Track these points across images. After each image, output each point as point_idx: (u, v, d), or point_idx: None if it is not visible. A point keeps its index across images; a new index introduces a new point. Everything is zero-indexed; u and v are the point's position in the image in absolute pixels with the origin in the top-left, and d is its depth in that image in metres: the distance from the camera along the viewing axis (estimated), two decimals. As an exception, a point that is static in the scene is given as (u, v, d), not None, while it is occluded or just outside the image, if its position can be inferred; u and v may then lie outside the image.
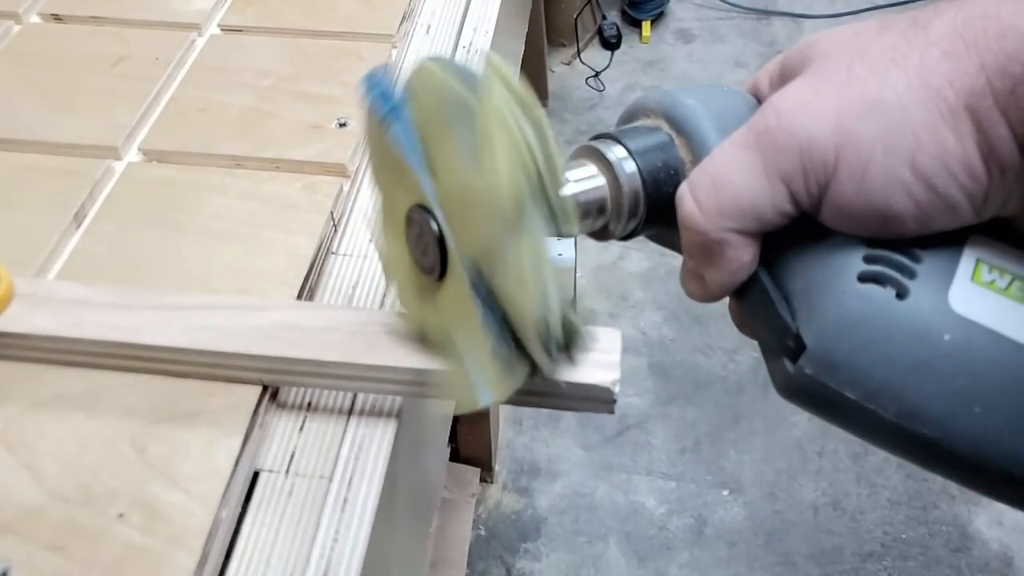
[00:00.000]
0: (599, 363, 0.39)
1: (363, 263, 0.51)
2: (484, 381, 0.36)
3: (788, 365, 0.33)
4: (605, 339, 0.40)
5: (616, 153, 0.36)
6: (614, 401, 0.40)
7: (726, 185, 0.33)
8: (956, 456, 0.31)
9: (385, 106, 0.36)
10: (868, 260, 0.32)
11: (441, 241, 0.36)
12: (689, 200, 0.34)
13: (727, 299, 0.38)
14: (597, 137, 0.38)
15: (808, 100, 0.32)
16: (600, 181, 0.36)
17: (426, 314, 0.39)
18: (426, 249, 0.37)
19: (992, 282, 0.31)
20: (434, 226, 0.35)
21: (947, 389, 0.30)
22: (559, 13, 2.17)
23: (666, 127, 0.37)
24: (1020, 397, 0.30)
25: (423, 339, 0.40)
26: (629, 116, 0.39)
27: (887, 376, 0.31)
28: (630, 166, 0.36)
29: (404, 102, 0.35)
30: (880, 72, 0.31)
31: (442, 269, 0.36)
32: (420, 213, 0.36)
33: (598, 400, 0.40)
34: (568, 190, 0.36)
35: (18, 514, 0.39)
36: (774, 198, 0.32)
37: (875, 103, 0.30)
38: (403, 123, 0.35)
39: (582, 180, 0.36)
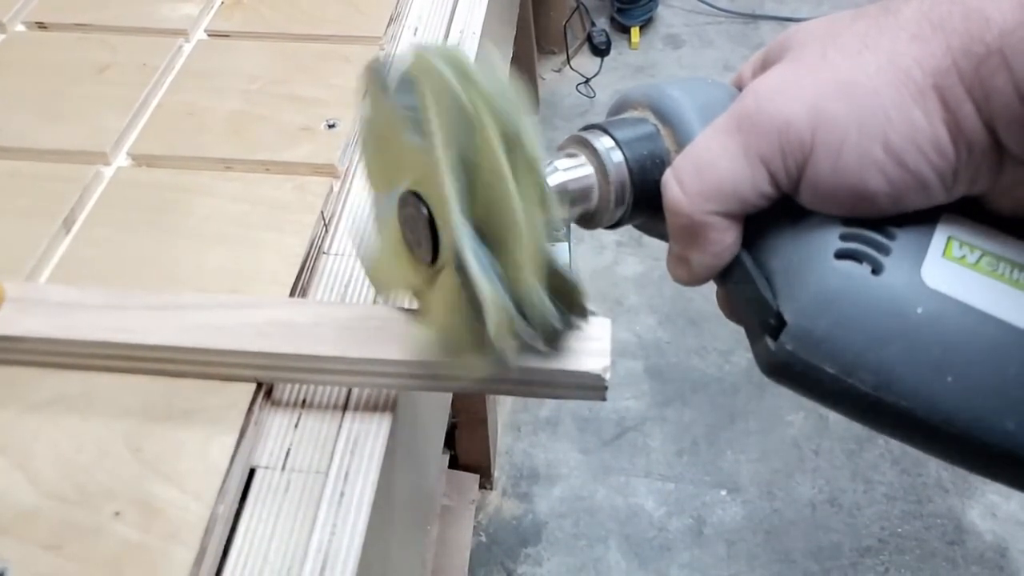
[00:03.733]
0: (590, 351, 0.40)
1: (354, 262, 0.51)
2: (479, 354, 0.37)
3: (770, 343, 0.34)
4: (595, 327, 0.40)
5: (604, 143, 0.37)
6: (605, 388, 0.40)
7: (709, 168, 0.34)
8: (931, 427, 0.32)
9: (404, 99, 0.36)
10: (844, 238, 0.33)
11: (433, 231, 0.36)
12: (674, 184, 0.35)
13: (721, 304, 0.39)
14: (586, 128, 0.38)
15: (785, 85, 0.33)
16: (588, 170, 0.37)
17: (413, 278, 0.40)
18: (418, 236, 0.37)
19: (963, 257, 0.32)
20: (425, 212, 0.36)
21: (921, 360, 0.31)
22: (548, 20, 2.18)
23: (652, 118, 0.38)
24: (989, 366, 0.31)
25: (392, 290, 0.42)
26: (617, 108, 0.40)
27: (864, 349, 0.32)
28: (617, 156, 0.37)
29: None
30: (852, 56, 0.32)
31: (433, 255, 0.37)
32: (414, 200, 0.36)
33: (590, 387, 0.40)
34: (557, 179, 0.37)
35: (14, 515, 0.39)
36: (754, 180, 0.33)
37: (848, 84, 0.31)
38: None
39: (571, 169, 0.37)
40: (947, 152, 0.30)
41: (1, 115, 0.59)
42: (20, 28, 0.67)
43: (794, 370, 0.33)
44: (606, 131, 0.37)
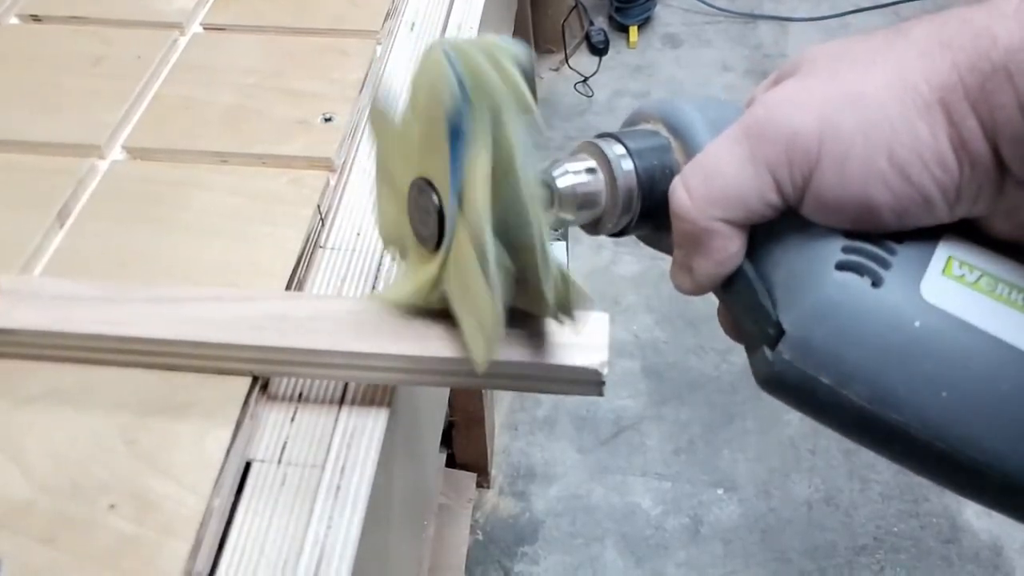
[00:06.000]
0: (586, 345, 0.40)
1: (351, 256, 0.51)
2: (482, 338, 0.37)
3: (767, 352, 0.34)
4: (592, 322, 0.40)
5: (615, 151, 0.38)
6: (602, 383, 0.40)
7: (716, 175, 0.34)
8: (922, 444, 0.32)
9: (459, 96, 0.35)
10: (846, 250, 0.33)
11: (440, 217, 0.36)
12: (681, 190, 0.35)
13: (722, 319, 0.40)
14: (600, 136, 0.39)
15: (794, 96, 0.33)
16: (597, 175, 0.38)
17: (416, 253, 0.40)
18: (426, 220, 0.37)
19: (962, 276, 0.33)
20: (435, 200, 0.36)
21: (916, 374, 0.32)
22: (546, 19, 2.18)
23: (664, 131, 0.39)
24: (983, 383, 0.31)
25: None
26: (631, 121, 0.41)
27: (860, 360, 0.32)
28: (628, 163, 0.38)
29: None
30: (862, 69, 0.32)
31: (438, 241, 0.37)
32: (425, 186, 0.37)
33: (587, 383, 0.40)
34: (566, 181, 0.37)
35: (8, 508, 0.39)
36: (760, 188, 0.34)
37: (855, 96, 0.32)
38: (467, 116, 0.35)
39: (580, 173, 0.38)
40: (950, 167, 0.31)
41: (-6, 108, 0.59)
42: (14, 20, 0.67)
43: (790, 381, 0.34)
44: (619, 140, 0.38)
